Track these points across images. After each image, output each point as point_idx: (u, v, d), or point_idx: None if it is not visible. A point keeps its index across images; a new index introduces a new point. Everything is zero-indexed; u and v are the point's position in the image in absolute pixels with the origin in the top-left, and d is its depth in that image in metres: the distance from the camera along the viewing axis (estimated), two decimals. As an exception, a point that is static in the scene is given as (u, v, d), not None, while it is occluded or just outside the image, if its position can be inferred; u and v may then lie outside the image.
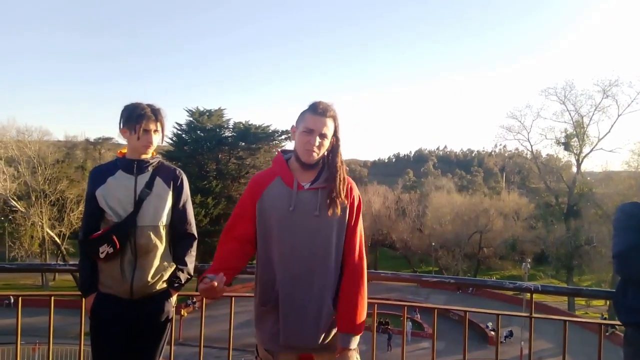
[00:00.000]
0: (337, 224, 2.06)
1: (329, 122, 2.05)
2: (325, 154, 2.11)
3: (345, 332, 2.05)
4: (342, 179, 2.07)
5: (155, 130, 2.38)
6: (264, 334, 2.10)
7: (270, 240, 2.06)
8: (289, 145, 2.12)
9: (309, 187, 2.07)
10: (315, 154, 2.04)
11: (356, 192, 2.15)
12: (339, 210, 2.04)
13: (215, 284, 1.85)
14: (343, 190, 2.06)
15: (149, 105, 2.39)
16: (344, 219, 2.07)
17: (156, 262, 2.37)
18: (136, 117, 2.34)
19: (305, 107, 2.10)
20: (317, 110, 2.04)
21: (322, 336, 2.05)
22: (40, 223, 37.15)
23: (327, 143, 2.08)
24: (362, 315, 2.08)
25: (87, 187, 2.44)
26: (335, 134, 2.10)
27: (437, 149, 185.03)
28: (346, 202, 2.07)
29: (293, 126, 2.13)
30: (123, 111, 2.39)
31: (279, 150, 2.23)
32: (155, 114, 2.37)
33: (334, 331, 2.09)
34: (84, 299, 2.86)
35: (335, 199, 2.03)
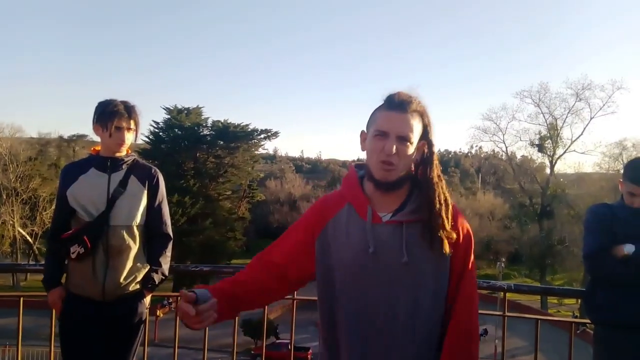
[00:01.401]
0: (434, 274, 1.41)
1: (413, 120, 1.41)
2: (413, 167, 1.48)
3: None
4: (442, 203, 1.42)
5: (129, 128, 2.34)
6: None
7: (333, 295, 1.45)
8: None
9: (390, 219, 1.43)
10: (394, 167, 1.39)
11: (463, 222, 1.48)
12: (445, 250, 1.39)
13: (191, 311, 1.26)
14: (448, 220, 1.40)
15: (123, 102, 2.34)
16: (445, 265, 1.42)
17: (129, 263, 2.32)
18: (108, 114, 2.29)
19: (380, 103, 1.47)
20: (393, 104, 1.41)
21: None
22: (11, 222, 36.21)
23: (411, 150, 1.41)
24: None
25: (59, 185, 2.39)
26: (425, 137, 1.46)
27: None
28: (452, 236, 1.41)
29: (363, 132, 1.51)
30: (97, 107, 2.35)
31: (352, 164, 1.60)
32: (129, 111, 2.33)
33: None
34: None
35: (436, 235, 1.38)
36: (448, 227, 1.40)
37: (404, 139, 1.39)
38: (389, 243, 1.40)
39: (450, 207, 1.44)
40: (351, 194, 1.49)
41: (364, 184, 1.50)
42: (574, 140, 41.51)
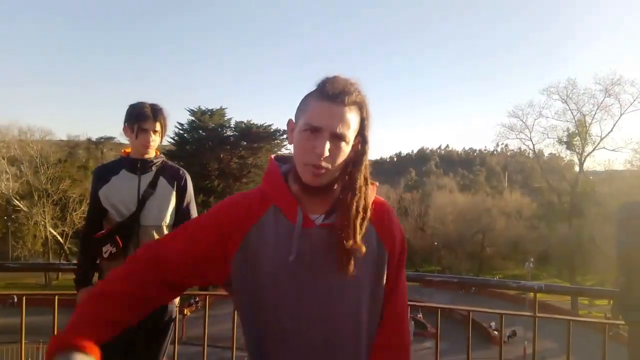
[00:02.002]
0: (370, 282, 1.26)
1: (350, 114, 1.18)
2: (344, 165, 1.24)
3: None
4: (360, 209, 1.22)
5: (155, 130, 2.38)
6: None
7: (261, 307, 1.23)
8: (291, 146, 1.27)
9: (323, 221, 1.24)
10: (324, 171, 1.19)
11: (397, 227, 1.33)
12: (354, 258, 1.20)
13: None
14: (361, 227, 1.21)
15: (151, 105, 2.40)
16: (381, 272, 1.28)
17: None
18: (135, 117, 2.35)
19: (313, 88, 1.23)
20: (328, 93, 1.17)
21: None
22: (42, 222, 37.30)
23: (347, 150, 1.21)
24: None
25: (91, 186, 2.45)
26: (361, 132, 1.24)
27: (439, 148, 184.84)
28: (377, 235, 1.28)
29: (291, 120, 1.27)
30: (127, 110, 2.41)
31: (272, 156, 1.37)
32: (155, 113, 2.37)
33: None
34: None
35: (345, 241, 1.18)
36: (358, 236, 1.20)
37: (339, 138, 1.18)
38: (323, 248, 1.21)
39: (368, 213, 1.24)
40: (276, 194, 1.26)
41: (288, 181, 1.28)
42: (604, 137, 40.45)
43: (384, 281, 1.30)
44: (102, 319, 1.17)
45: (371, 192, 1.28)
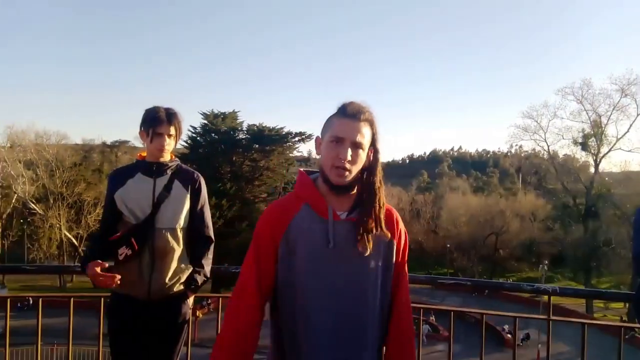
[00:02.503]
0: (383, 266, 1.60)
1: (364, 128, 1.55)
2: (360, 172, 1.60)
3: None
4: (381, 205, 1.58)
5: (169, 135, 2.41)
6: None
7: (298, 286, 1.56)
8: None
9: (347, 217, 1.58)
10: (348, 172, 1.53)
11: (402, 225, 1.70)
12: (372, 246, 1.55)
13: None
14: (381, 219, 1.58)
15: (166, 109, 2.42)
16: (390, 259, 1.63)
17: (174, 264, 2.40)
18: (150, 121, 2.38)
19: (333, 111, 1.60)
20: (348, 113, 1.54)
21: None
22: (58, 225, 37.78)
23: (363, 156, 1.56)
24: None
25: (107, 189, 2.48)
26: (373, 145, 1.60)
27: (452, 149, 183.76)
28: (389, 236, 1.61)
29: (318, 137, 1.63)
30: (143, 114, 2.44)
31: (300, 169, 1.71)
32: (170, 118, 2.40)
33: None
34: (102, 300, 2.91)
35: (371, 231, 1.55)
36: (383, 228, 1.57)
37: (357, 146, 1.53)
38: (347, 238, 1.55)
39: (386, 210, 1.61)
40: (308, 195, 1.60)
41: (317, 185, 1.62)
42: (620, 138, 39.94)
43: (393, 270, 1.64)
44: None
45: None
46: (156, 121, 2.36)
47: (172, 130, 2.42)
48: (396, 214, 1.68)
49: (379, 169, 1.62)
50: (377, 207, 1.57)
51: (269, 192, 43.78)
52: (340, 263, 1.55)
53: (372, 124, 1.58)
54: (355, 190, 1.60)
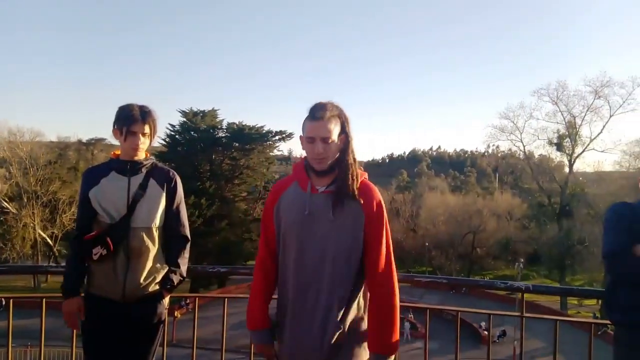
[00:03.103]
0: (352, 230, 1.91)
1: (331, 125, 1.89)
2: (337, 153, 1.97)
3: (374, 352, 1.93)
4: (353, 177, 1.92)
5: (144, 133, 2.36)
6: (280, 343, 2.03)
7: (285, 245, 1.98)
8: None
9: (323, 190, 1.95)
10: (324, 161, 1.92)
11: (375, 195, 1.98)
12: (342, 212, 1.91)
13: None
14: (353, 189, 1.91)
15: (140, 107, 2.36)
16: (360, 224, 1.92)
17: (149, 264, 2.36)
18: (124, 119, 2.32)
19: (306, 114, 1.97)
20: (314, 116, 1.90)
21: (327, 352, 1.89)
22: (32, 224, 36.93)
23: (334, 145, 1.91)
24: (394, 333, 1.93)
25: (81, 188, 2.42)
26: (343, 131, 1.95)
27: (431, 149, 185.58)
28: (360, 202, 1.92)
29: (300, 136, 1.98)
30: (116, 112, 2.39)
31: (303, 156, 2.07)
32: (144, 116, 2.34)
33: (347, 350, 1.94)
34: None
35: (342, 198, 1.90)
36: (354, 195, 1.91)
37: (326, 140, 1.89)
38: (322, 207, 1.92)
39: (359, 182, 1.94)
40: (297, 175, 2.04)
41: (307, 169, 2.01)
42: (593, 139, 40.89)
43: (362, 233, 1.92)
44: (266, 302, 2.08)
45: (360, 174, 1.97)
46: (130, 120, 2.31)
47: (147, 129, 2.37)
48: (373, 189, 1.99)
49: (351, 149, 1.97)
50: (350, 180, 1.92)
51: (249, 191, 43.59)
52: (314, 226, 1.92)
53: (338, 116, 1.93)
54: (335, 172, 1.95)
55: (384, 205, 1.99)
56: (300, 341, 1.93)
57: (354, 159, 1.96)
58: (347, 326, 1.92)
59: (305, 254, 1.92)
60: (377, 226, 1.94)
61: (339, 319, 1.89)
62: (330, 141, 1.89)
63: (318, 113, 1.89)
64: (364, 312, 2.00)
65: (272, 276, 2.06)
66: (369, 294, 1.99)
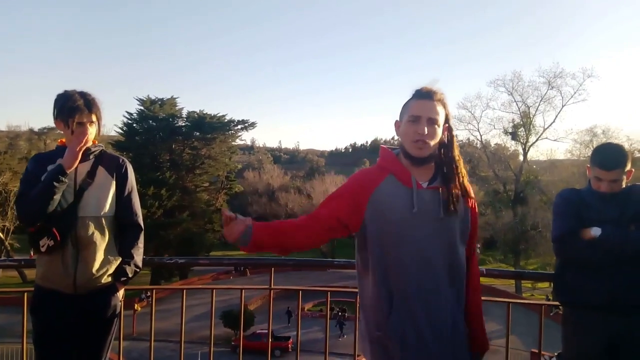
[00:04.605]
0: (460, 229, 1.81)
1: (438, 107, 1.77)
2: (437, 147, 1.82)
3: (479, 351, 1.90)
4: (464, 175, 1.82)
5: (91, 122, 2.26)
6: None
7: (389, 247, 1.76)
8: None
9: (429, 186, 1.79)
10: (427, 146, 1.75)
11: (474, 198, 1.91)
12: (461, 208, 1.80)
13: (231, 214, 1.65)
14: (466, 187, 1.82)
15: (82, 95, 2.25)
16: (467, 223, 1.84)
17: (100, 255, 2.28)
18: (68, 111, 2.20)
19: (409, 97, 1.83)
20: (422, 94, 1.78)
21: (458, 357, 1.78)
22: (-19, 218, 35.21)
23: (439, 132, 1.78)
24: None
25: (30, 167, 2.27)
26: (447, 122, 1.82)
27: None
28: (469, 202, 1.85)
29: (397, 121, 1.86)
30: (55, 101, 2.26)
31: (382, 145, 1.93)
32: (89, 105, 2.23)
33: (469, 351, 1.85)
34: (25, 295, 2.74)
35: (458, 198, 1.78)
36: (470, 193, 1.84)
37: (433, 122, 1.75)
38: (430, 204, 1.76)
39: (467, 179, 1.83)
40: (392, 166, 1.82)
41: (399, 159, 1.83)
42: (546, 128, 42.33)
43: (468, 232, 1.85)
44: (275, 225, 1.80)
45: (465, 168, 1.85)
46: (75, 111, 2.19)
47: (94, 118, 2.27)
48: (470, 189, 1.88)
49: (456, 144, 1.85)
50: (461, 177, 1.81)
51: (211, 181, 42.98)
52: (423, 224, 1.74)
53: (444, 104, 1.80)
54: (433, 163, 1.83)
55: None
56: (432, 354, 1.72)
57: (459, 156, 1.85)
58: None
59: (422, 257, 1.74)
60: (476, 225, 1.90)
61: (464, 322, 1.84)
62: (437, 125, 1.76)
63: (427, 92, 1.78)
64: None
65: (320, 236, 1.80)
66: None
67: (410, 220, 1.74)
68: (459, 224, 1.80)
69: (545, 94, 41.45)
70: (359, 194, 1.79)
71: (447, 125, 1.82)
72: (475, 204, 1.89)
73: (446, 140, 1.84)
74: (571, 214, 2.37)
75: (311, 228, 1.77)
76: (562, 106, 41.16)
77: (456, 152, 1.84)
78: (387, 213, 1.75)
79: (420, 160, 1.78)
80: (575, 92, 40.31)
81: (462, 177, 1.81)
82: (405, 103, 1.82)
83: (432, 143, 1.76)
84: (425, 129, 1.73)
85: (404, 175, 1.78)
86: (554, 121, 41.92)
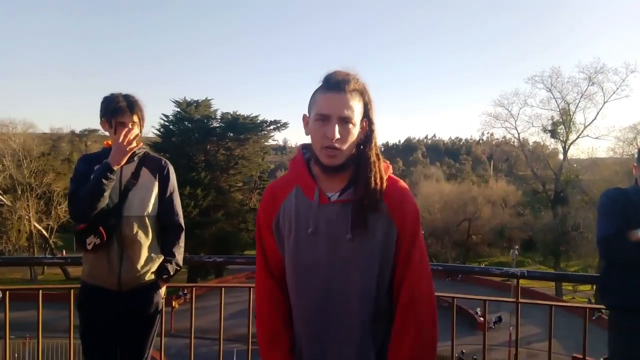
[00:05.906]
0: (380, 251, 1.41)
1: (353, 100, 1.37)
2: (356, 146, 1.44)
3: None
4: (377, 181, 1.40)
5: (133, 123, 2.35)
6: None
7: (290, 268, 1.48)
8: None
9: (337, 198, 1.42)
10: (339, 153, 1.37)
11: (409, 200, 1.47)
12: (365, 226, 1.39)
13: None
14: (377, 197, 1.39)
15: (126, 97, 2.35)
16: (391, 243, 1.42)
17: (144, 253, 2.36)
18: (111, 111, 2.31)
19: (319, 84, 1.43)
20: (331, 85, 1.37)
21: None
22: (27, 217, 36.77)
23: (355, 131, 1.39)
24: None
25: (79, 167, 2.36)
26: (366, 115, 1.43)
27: (426, 137, 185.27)
28: (390, 215, 1.41)
29: (305, 115, 1.47)
30: (101, 103, 2.37)
31: (300, 146, 1.56)
32: (131, 106, 2.33)
33: None
34: (71, 292, 2.85)
35: (365, 213, 1.38)
36: (380, 206, 1.40)
37: (346, 121, 1.37)
38: (337, 222, 1.40)
39: (384, 186, 1.42)
40: (298, 177, 1.49)
41: (310, 165, 1.49)
42: (587, 125, 40.94)
43: (393, 254, 1.43)
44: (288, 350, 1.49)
45: (385, 169, 1.46)
46: (118, 112, 2.30)
47: (136, 119, 2.36)
48: (402, 188, 1.47)
49: (375, 141, 1.45)
50: (373, 183, 1.39)
51: (245, 181, 43.50)
52: (324, 247, 1.41)
53: (362, 93, 1.41)
54: (350, 169, 1.44)
55: (418, 210, 1.48)
56: None
57: (378, 156, 1.45)
58: None
59: (316, 293, 1.43)
60: (413, 244, 1.44)
61: None
62: (351, 123, 1.38)
63: (338, 81, 1.37)
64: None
65: (286, 309, 1.51)
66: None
67: (304, 244, 1.42)
68: (379, 247, 1.40)
69: (586, 90, 40.12)
70: (265, 220, 1.52)
71: (367, 119, 1.43)
72: (412, 215, 1.45)
73: (364, 137, 1.44)
74: (617, 214, 2.29)
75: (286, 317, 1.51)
76: (604, 102, 39.75)
77: (374, 151, 1.43)
78: (285, 237, 1.46)
79: (332, 169, 1.40)
80: (617, 88, 38.88)
81: (376, 183, 1.40)
82: (313, 94, 1.43)
83: (346, 147, 1.38)
84: (337, 131, 1.35)
85: (308, 187, 1.45)
86: (595, 118, 40.58)
